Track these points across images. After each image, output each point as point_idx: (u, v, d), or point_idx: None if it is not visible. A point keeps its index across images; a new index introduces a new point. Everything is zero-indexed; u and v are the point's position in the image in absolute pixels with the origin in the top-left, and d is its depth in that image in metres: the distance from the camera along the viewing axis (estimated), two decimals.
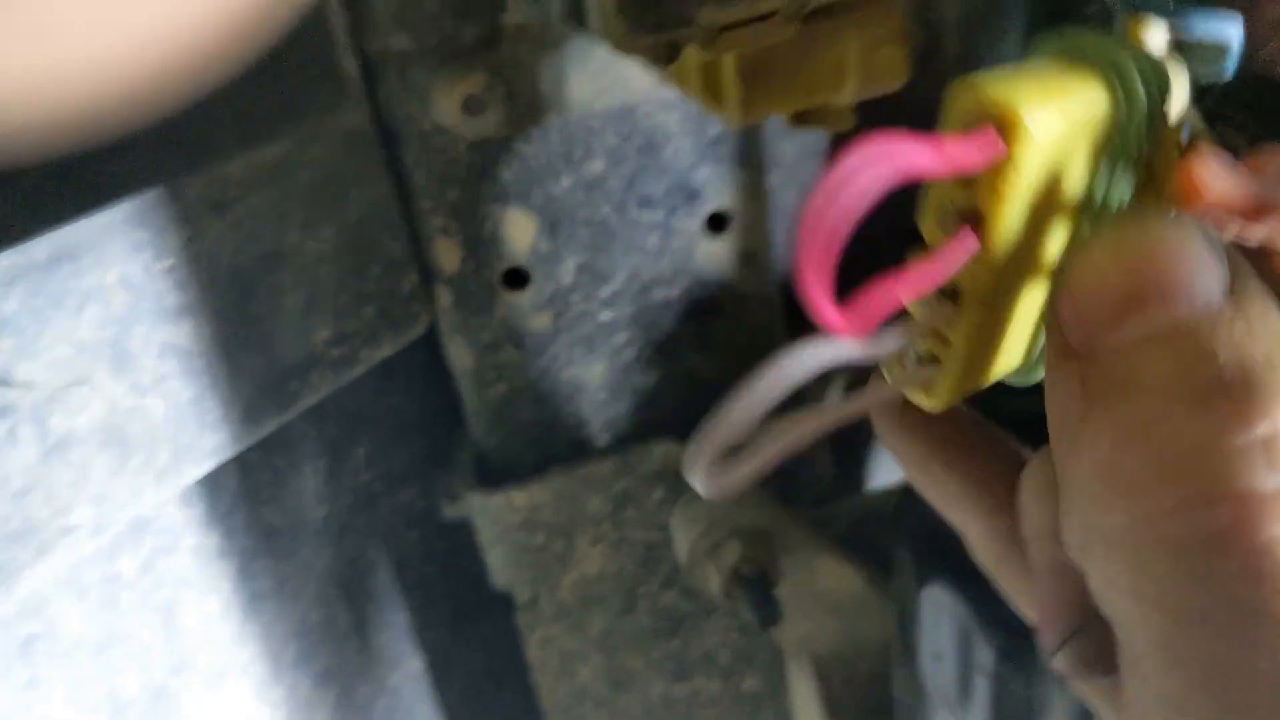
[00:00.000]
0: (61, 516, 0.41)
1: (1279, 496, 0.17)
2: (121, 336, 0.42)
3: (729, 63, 0.34)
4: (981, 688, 0.49)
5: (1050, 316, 0.22)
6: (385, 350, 0.53)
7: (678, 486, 0.60)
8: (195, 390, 0.45)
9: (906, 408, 0.27)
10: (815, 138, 0.59)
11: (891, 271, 0.22)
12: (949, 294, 0.24)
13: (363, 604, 0.61)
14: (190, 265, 0.44)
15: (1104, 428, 0.19)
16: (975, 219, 0.22)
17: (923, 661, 0.53)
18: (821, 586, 0.62)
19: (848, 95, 0.37)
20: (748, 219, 0.57)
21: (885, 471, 0.73)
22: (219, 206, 0.44)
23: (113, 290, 0.41)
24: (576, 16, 0.35)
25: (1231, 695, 0.17)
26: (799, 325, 0.70)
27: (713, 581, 0.56)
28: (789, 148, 0.59)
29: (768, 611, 0.53)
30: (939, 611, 0.50)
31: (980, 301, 0.23)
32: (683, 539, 0.58)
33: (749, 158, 0.56)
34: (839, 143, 0.58)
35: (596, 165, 0.53)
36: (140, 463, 0.43)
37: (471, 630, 0.69)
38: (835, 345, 0.24)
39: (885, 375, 0.26)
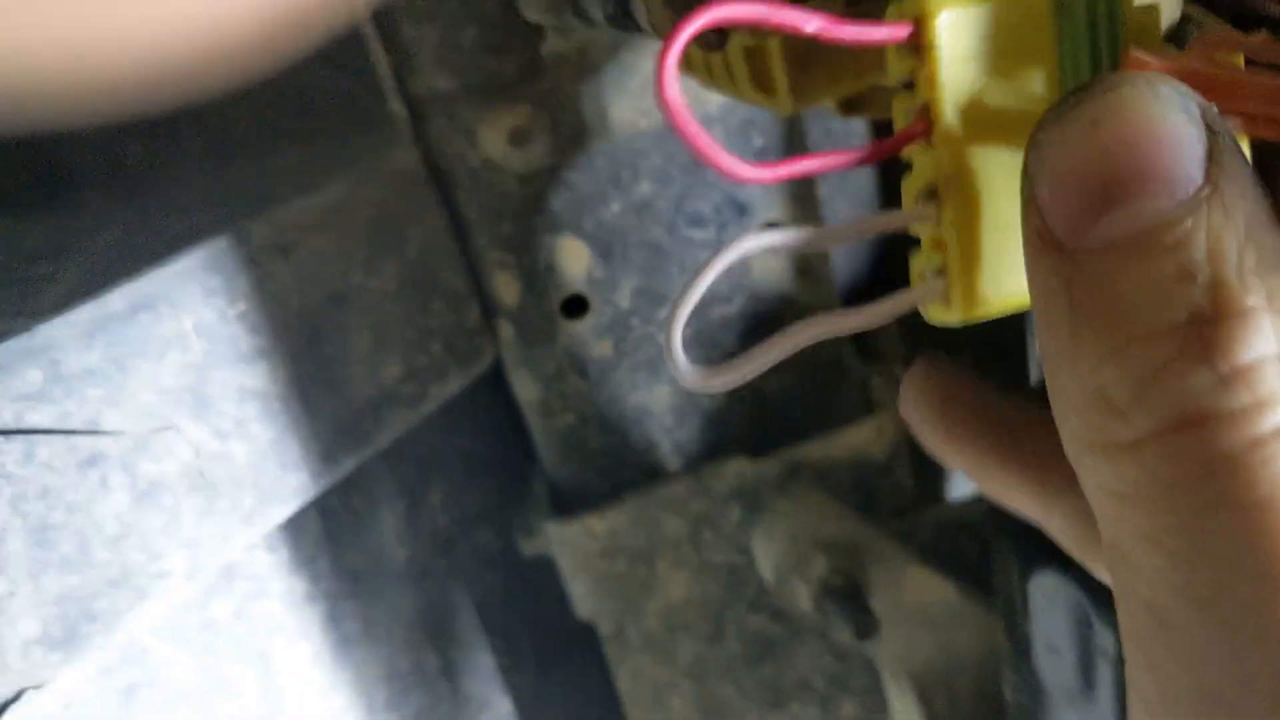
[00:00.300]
0: (156, 562, 0.42)
1: (1243, 413, 0.17)
2: (201, 382, 0.43)
3: (775, 47, 0.35)
4: (1106, 674, 0.47)
5: (1026, 196, 0.21)
6: (454, 385, 0.53)
7: (754, 505, 0.60)
8: (275, 432, 0.46)
9: (944, 412, 0.27)
10: (861, 140, 0.60)
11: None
12: (931, 193, 0.24)
13: (448, 648, 0.61)
14: (261, 309, 0.45)
15: (1088, 344, 0.19)
16: (925, 110, 0.24)
17: (1037, 657, 0.51)
18: (913, 599, 0.62)
19: None
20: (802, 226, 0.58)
21: (965, 480, 0.72)
22: (284, 250, 0.46)
23: (190, 337, 0.43)
24: (623, 17, 0.36)
25: (1199, 570, 0.18)
26: (863, 336, 0.70)
27: (802, 597, 0.55)
28: None
29: (863, 622, 0.53)
30: (1050, 601, 0.49)
31: (954, 190, 0.24)
32: (766, 557, 0.58)
33: None
34: (882, 130, 0.59)
35: (644, 187, 0.54)
36: (227, 506, 0.44)
37: (558, 670, 0.69)
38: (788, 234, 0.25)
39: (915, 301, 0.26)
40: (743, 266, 0.57)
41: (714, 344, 0.59)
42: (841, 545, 0.56)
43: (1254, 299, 0.17)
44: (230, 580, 0.48)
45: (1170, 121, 0.18)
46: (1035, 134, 0.20)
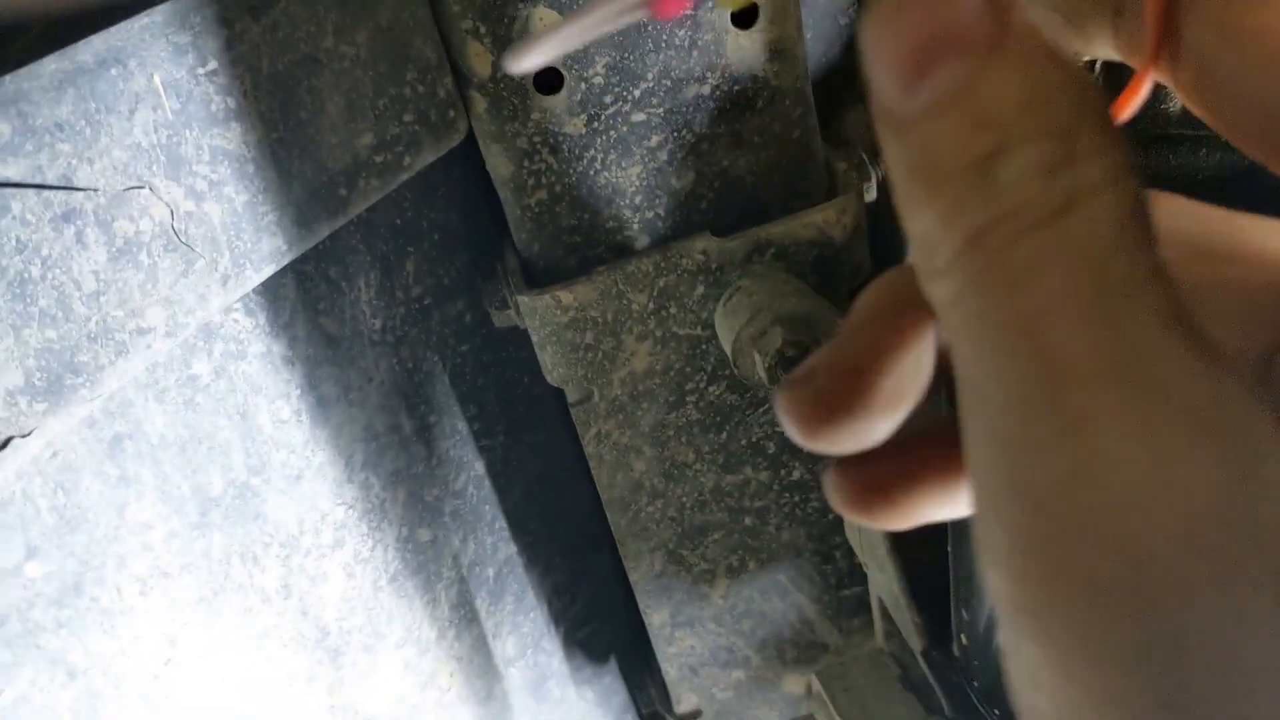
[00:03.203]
0: (135, 318, 0.41)
1: (1004, 218, 0.19)
2: (174, 141, 0.41)
3: None
4: None
5: (867, 79, 0.22)
6: (427, 156, 0.52)
7: (719, 282, 0.59)
8: (249, 195, 0.44)
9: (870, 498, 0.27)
10: None
11: None
12: None
13: (424, 413, 0.61)
14: (232, 69, 0.43)
15: (917, 195, 0.21)
16: None
17: None
18: None
19: None
20: (776, 10, 0.55)
21: None
22: (254, 10, 0.43)
23: (160, 94, 0.41)
24: None
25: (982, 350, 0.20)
26: (831, 121, 0.68)
27: (759, 367, 0.56)
28: None
29: None
30: None
31: None
32: (727, 330, 0.58)
33: None
34: None
35: None
36: (204, 266, 0.43)
37: (528, 436, 0.70)
38: None
39: None
40: (715, 44, 0.55)
41: (685, 124, 0.57)
42: (798, 320, 0.56)
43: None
44: (210, 341, 0.48)
45: None
46: (863, 26, 0.21)
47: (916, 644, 0.64)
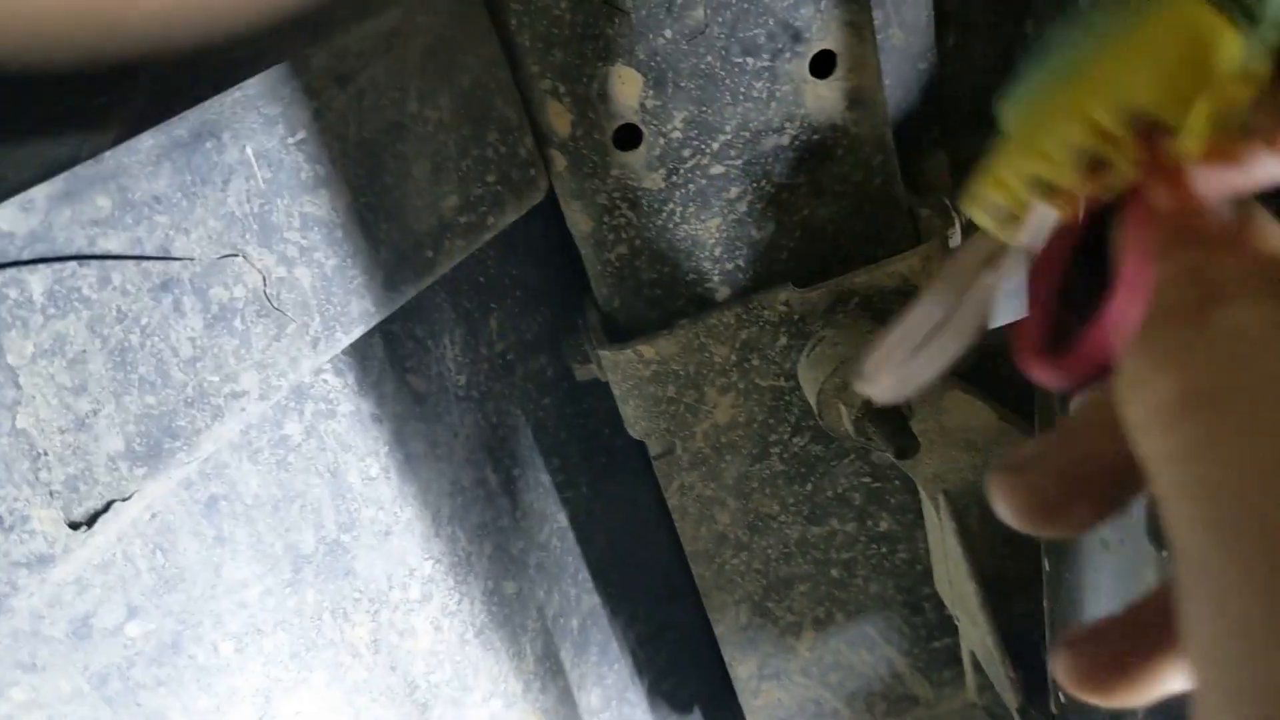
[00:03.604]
0: (230, 383, 0.42)
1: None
2: (266, 210, 0.42)
3: None
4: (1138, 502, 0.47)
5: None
6: (510, 215, 0.52)
7: (802, 333, 0.58)
8: (338, 260, 0.45)
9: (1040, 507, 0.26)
10: None
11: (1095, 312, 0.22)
12: None
13: (509, 466, 0.61)
14: (321, 138, 0.43)
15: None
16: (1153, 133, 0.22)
17: None
18: (952, 421, 0.61)
19: None
20: (854, 59, 0.55)
21: (1007, 309, 0.71)
22: (341, 79, 0.44)
23: (252, 164, 0.41)
24: None
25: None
26: (912, 167, 0.67)
27: (845, 418, 0.55)
28: None
29: (905, 442, 0.52)
30: None
31: None
32: (811, 382, 0.57)
33: None
34: None
35: (697, 13, 0.51)
36: (296, 330, 0.44)
37: (610, 488, 0.69)
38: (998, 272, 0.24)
39: None
40: (794, 95, 0.55)
41: (765, 175, 0.56)
42: None
43: None
44: (300, 401, 0.48)
45: None
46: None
47: (1012, 700, 0.62)
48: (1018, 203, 0.25)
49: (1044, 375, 0.21)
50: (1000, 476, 0.24)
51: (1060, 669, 0.24)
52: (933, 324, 0.24)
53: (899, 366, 0.25)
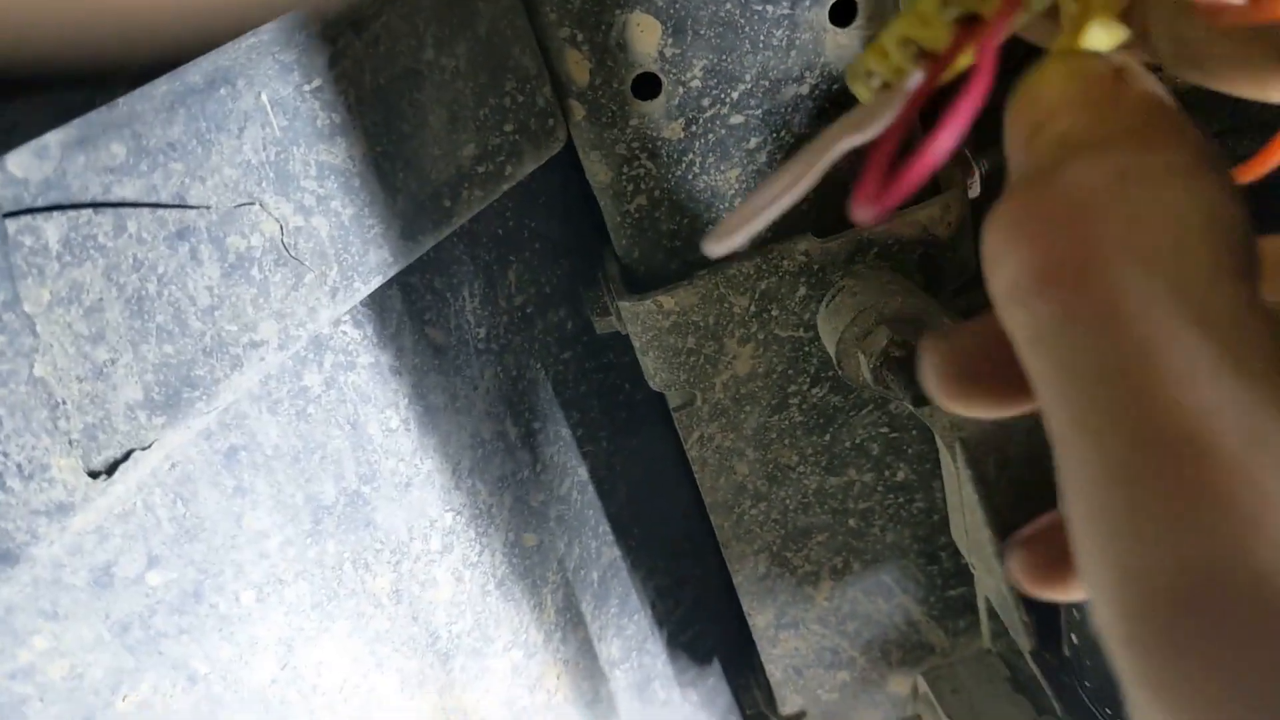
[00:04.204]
0: (249, 332, 0.41)
1: None
2: (282, 157, 0.41)
3: None
4: None
5: None
6: (528, 165, 0.51)
7: (821, 283, 0.57)
8: (356, 208, 0.44)
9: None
10: None
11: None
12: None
13: (529, 419, 0.60)
14: (336, 85, 0.42)
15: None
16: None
17: None
18: None
19: None
20: (875, 7, 0.53)
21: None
22: (356, 25, 0.43)
23: (268, 111, 0.40)
24: None
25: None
26: (931, 115, 0.65)
27: (863, 367, 0.53)
28: None
29: (922, 390, 0.50)
30: None
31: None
32: (830, 331, 0.56)
33: None
34: None
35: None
36: (314, 279, 0.43)
37: (630, 441, 0.68)
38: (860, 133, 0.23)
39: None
40: (814, 43, 0.53)
41: (784, 125, 0.55)
42: (904, 319, 0.53)
43: None
44: (320, 353, 0.47)
45: None
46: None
47: (1025, 644, 0.61)
48: (895, 71, 0.24)
49: (861, 214, 0.20)
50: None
51: (1014, 566, 0.24)
52: (784, 189, 0.24)
53: (745, 224, 0.24)
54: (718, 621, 0.81)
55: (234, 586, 0.45)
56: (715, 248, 0.24)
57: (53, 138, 0.34)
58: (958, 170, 0.58)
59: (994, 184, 0.63)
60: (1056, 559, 0.23)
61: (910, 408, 0.52)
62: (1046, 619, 0.60)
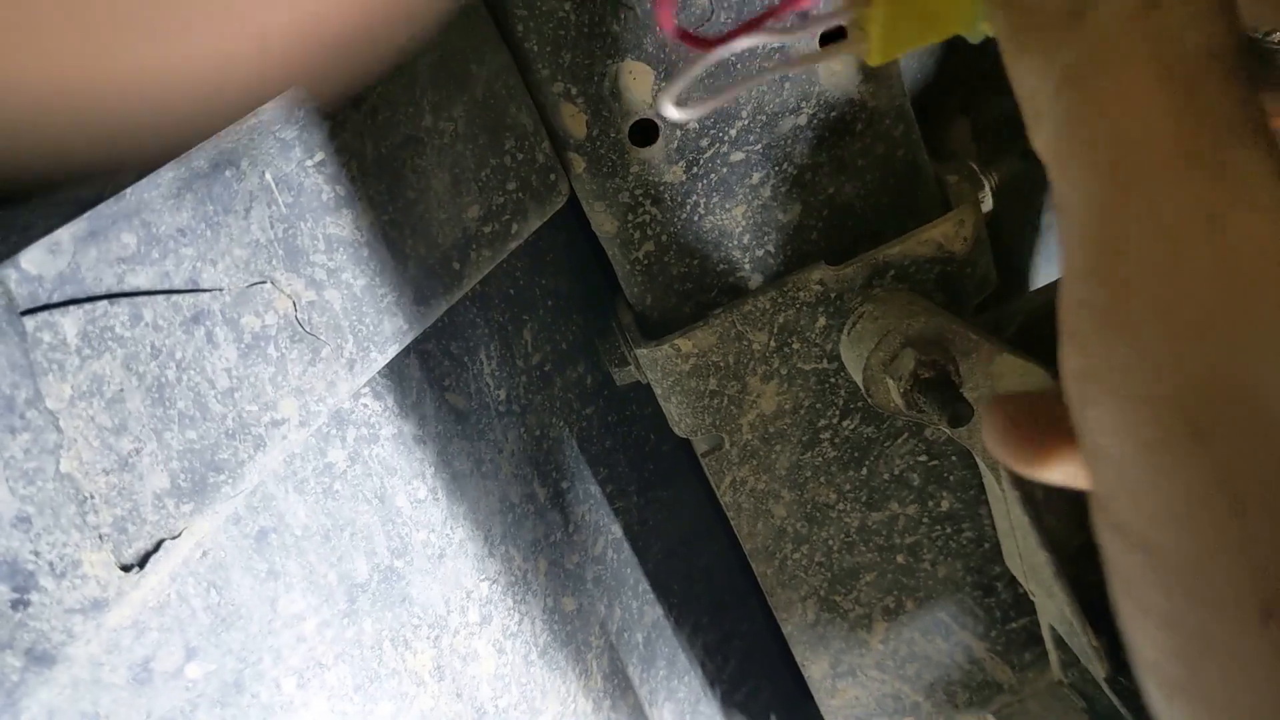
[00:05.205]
0: (269, 411, 0.42)
1: None
2: (290, 234, 0.42)
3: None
4: None
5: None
6: (533, 221, 0.52)
7: (840, 311, 0.58)
8: (367, 278, 0.45)
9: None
10: None
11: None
12: None
13: (556, 479, 0.61)
14: (338, 158, 0.44)
15: (1025, 69, 0.25)
16: None
17: None
18: (1006, 385, 0.60)
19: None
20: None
21: (1050, 270, 0.70)
22: (354, 98, 0.44)
23: (273, 190, 0.42)
24: None
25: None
26: (935, 135, 0.67)
27: (893, 393, 0.54)
28: None
29: (957, 409, 0.51)
30: None
31: None
32: (855, 359, 0.56)
33: None
34: None
35: (703, 0, 0.51)
36: (330, 353, 0.44)
37: (662, 493, 0.69)
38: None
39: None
40: (808, 74, 0.55)
41: (785, 158, 0.56)
42: (929, 339, 0.54)
43: None
44: (342, 428, 0.48)
45: None
46: None
47: (1099, 671, 0.60)
48: None
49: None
50: (995, 399, 0.28)
51: (990, 425, 0.28)
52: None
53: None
54: (771, 675, 0.80)
55: (274, 673, 0.46)
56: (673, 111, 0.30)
57: (65, 232, 0.36)
58: (967, 185, 0.59)
59: (1006, 198, 0.64)
60: (1039, 427, 0.27)
61: (947, 430, 0.53)
62: (1118, 642, 0.59)
